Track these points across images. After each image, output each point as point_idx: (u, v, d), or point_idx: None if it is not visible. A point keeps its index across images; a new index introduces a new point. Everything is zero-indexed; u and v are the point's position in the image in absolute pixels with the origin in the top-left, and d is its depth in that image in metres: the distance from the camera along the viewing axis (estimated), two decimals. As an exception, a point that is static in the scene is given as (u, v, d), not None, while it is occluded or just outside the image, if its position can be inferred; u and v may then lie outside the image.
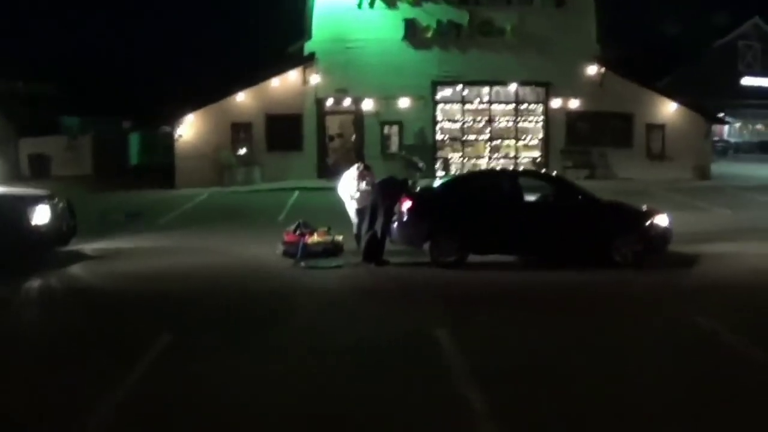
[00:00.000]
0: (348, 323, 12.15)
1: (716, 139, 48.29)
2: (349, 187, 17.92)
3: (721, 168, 38.86)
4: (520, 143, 37.92)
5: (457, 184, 18.73)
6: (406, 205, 16.49)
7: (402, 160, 19.34)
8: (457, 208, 16.60)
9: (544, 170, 20.26)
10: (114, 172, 40.86)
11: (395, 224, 16.57)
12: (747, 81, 58.46)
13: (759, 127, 63.08)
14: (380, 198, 16.82)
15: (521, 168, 32.64)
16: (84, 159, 42.75)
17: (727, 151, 53.44)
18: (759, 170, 41.33)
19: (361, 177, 17.80)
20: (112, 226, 22.71)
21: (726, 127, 53.52)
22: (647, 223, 16.54)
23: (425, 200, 17.02)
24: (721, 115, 42.68)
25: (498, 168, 32.64)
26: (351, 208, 18.02)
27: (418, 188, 17.73)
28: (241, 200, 30.12)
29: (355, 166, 18.44)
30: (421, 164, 18.65)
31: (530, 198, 17.06)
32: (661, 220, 16.67)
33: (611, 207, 17.17)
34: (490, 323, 11.84)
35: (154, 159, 44.14)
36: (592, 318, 12.22)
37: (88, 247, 18.92)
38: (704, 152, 38.25)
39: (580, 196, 16.91)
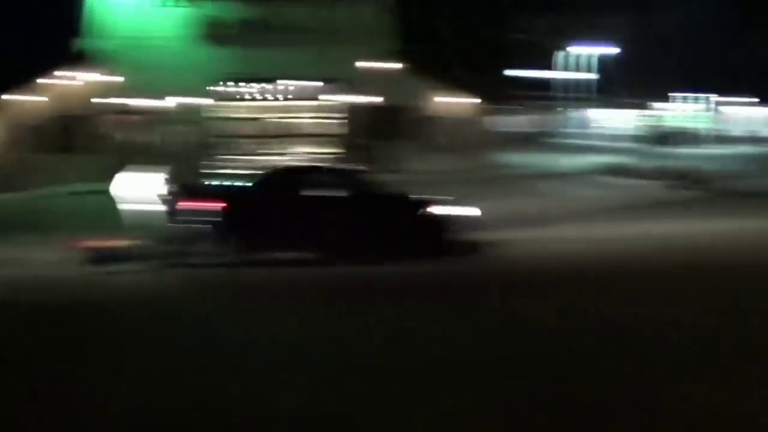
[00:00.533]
0: (176, 325, 11.90)
1: (496, 129, 50.03)
2: (142, 188, 17.70)
3: (502, 158, 40.32)
4: (315, 139, 38.11)
5: (255, 183, 18.82)
6: (207, 204, 16.52)
7: (201, 160, 19.23)
8: (255, 206, 16.77)
9: (343, 166, 20.62)
10: None
11: (198, 224, 16.56)
12: (522, 73, 60.86)
13: (532, 117, 65.90)
14: (177, 200, 16.77)
15: (320, 164, 32.84)
16: None
17: (504, 141, 55.47)
18: (536, 159, 43.34)
19: (165, 180, 17.63)
20: None
21: (504, 118, 55.46)
22: (433, 212, 17.17)
23: (225, 200, 17.07)
24: (501, 106, 44.37)
25: (299, 165, 32.82)
26: (137, 208, 17.67)
27: (218, 187, 17.79)
28: (29, 207, 28.82)
29: (153, 169, 18.23)
30: (224, 164, 18.70)
31: (322, 193, 17.35)
32: (451, 209, 17.30)
33: (399, 197, 17.80)
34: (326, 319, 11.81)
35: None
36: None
37: None
38: (487, 143, 39.68)
39: (368, 189, 17.39)
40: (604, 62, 59.02)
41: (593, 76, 51.94)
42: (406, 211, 17.20)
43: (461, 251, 16.69)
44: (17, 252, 19.12)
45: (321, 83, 37.82)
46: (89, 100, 34.95)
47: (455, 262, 16.06)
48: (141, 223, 17.52)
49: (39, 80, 34.97)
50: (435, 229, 16.90)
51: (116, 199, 17.97)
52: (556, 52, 46.96)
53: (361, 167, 22.55)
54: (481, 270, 15.49)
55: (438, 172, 33.43)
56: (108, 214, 20.16)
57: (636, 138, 59.10)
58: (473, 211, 17.59)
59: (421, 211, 17.12)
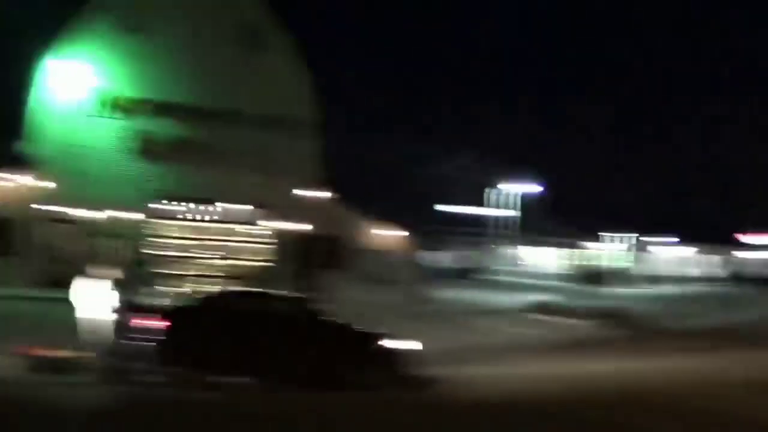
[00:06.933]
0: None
1: (425, 263, 50.68)
2: (94, 296, 17.54)
3: (430, 293, 40.67)
4: (239, 263, 38.13)
5: (198, 304, 18.70)
6: (149, 323, 16.47)
7: (136, 275, 19.14)
8: (198, 329, 16.75)
9: (284, 292, 20.71)
10: None
11: (137, 341, 16.46)
12: (452, 208, 62.12)
13: (462, 253, 66.88)
14: (120, 314, 16.72)
15: (262, 290, 32.45)
16: None
17: (434, 275, 55.85)
18: (465, 294, 43.99)
19: (113, 288, 17.53)
20: None
21: (432, 253, 56.03)
22: (379, 345, 17.41)
23: (167, 319, 16.98)
24: (430, 240, 45.17)
25: (235, 289, 32.77)
26: (89, 317, 17.50)
27: (152, 305, 17.68)
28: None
29: (101, 275, 18.09)
30: (155, 281, 18.69)
31: (266, 320, 17.46)
32: (393, 342, 17.53)
33: (344, 328, 17.81)
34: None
35: None
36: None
37: None
38: (417, 277, 40.15)
39: (313, 318, 17.53)
40: (529, 200, 60.32)
41: (519, 213, 52.81)
42: (360, 343, 17.32)
43: (408, 386, 16.84)
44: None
45: (252, 207, 38.12)
46: (25, 204, 34.70)
47: (405, 396, 16.13)
48: (92, 333, 17.29)
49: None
50: (388, 362, 17.09)
51: (74, 306, 17.72)
52: (487, 189, 48.06)
53: (300, 295, 22.62)
54: (432, 405, 15.52)
55: (368, 304, 33.58)
56: (52, 322, 19.97)
57: (564, 276, 60.66)
58: (414, 345, 17.79)
59: (375, 344, 17.28)
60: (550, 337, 27.77)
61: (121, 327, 16.76)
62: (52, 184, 34.90)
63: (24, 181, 34.89)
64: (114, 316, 17.33)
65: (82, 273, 19.02)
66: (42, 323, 20.66)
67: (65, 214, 35.47)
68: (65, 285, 31.84)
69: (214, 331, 16.87)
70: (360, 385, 16.51)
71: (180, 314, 17.62)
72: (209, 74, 37.17)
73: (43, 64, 36.19)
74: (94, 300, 17.45)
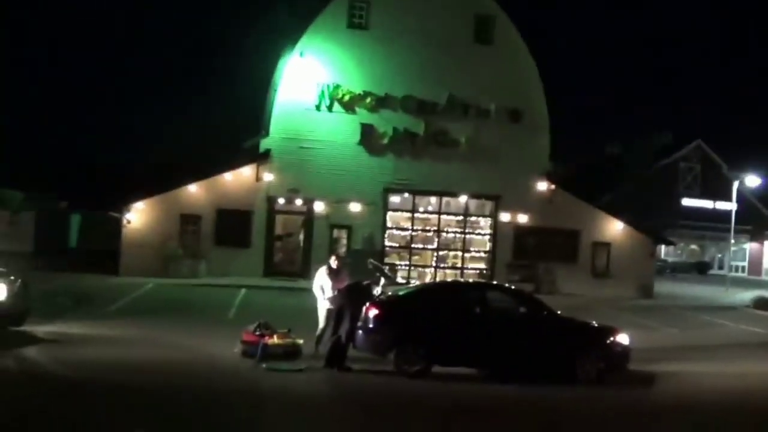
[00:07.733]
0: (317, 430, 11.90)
1: (655, 257, 49.07)
2: (325, 285, 17.71)
3: (660, 287, 39.52)
4: (467, 255, 38.25)
5: (423, 294, 18.63)
6: (372, 312, 16.40)
7: (371, 266, 19.01)
8: (422, 318, 16.59)
9: (509, 285, 20.37)
10: (55, 252, 39.85)
11: (360, 330, 16.45)
12: (686, 202, 59.96)
13: (694, 247, 64.50)
14: (346, 303, 16.73)
15: (487, 281, 31.94)
16: (25, 236, 41.59)
17: (664, 270, 54.08)
18: (697, 290, 42.45)
19: (334, 275, 17.66)
20: (61, 309, 22.20)
21: (663, 247, 54.22)
22: (609, 341, 16.83)
23: (391, 308, 16.92)
24: (662, 234, 43.69)
25: (464, 280, 32.62)
26: (323, 307, 17.77)
27: (381, 294, 17.53)
28: (188, 293, 29.48)
29: (328, 263, 18.24)
30: (389, 273, 18.62)
31: (495, 312, 17.07)
32: (622, 338, 16.94)
33: (575, 323, 17.36)
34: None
35: (96, 243, 43.12)
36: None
37: (40, 329, 18.41)
38: (648, 271, 39.02)
39: (544, 312, 17.05)
40: (752, 192, 57.03)
41: (736, 206, 49.54)
42: (593, 338, 17.04)
43: (632, 381, 16.37)
44: (189, 339, 19.16)
45: (475, 199, 38.13)
46: (256, 198, 35.92)
47: (627, 392, 15.74)
48: (326, 321, 17.51)
49: (210, 175, 36.00)
50: (619, 358, 16.76)
51: (316, 294, 17.97)
52: (735, 182, 45.71)
53: (523, 286, 22.17)
54: (651, 403, 14.94)
55: (593, 297, 32.90)
56: (275, 310, 20.39)
57: None
58: (632, 340, 17.24)
59: (609, 339, 16.94)
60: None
61: (340, 315, 16.77)
62: (282, 177, 35.94)
63: (260, 174, 36.00)
64: (330, 305, 17.39)
65: (319, 264, 19.24)
66: (276, 311, 21.43)
67: (297, 206, 36.44)
68: (299, 275, 33.46)
69: (429, 320, 16.62)
70: (583, 380, 16.17)
71: (394, 302, 17.46)
72: (439, 67, 36.98)
73: (279, 61, 37.22)
74: (329, 289, 17.57)
